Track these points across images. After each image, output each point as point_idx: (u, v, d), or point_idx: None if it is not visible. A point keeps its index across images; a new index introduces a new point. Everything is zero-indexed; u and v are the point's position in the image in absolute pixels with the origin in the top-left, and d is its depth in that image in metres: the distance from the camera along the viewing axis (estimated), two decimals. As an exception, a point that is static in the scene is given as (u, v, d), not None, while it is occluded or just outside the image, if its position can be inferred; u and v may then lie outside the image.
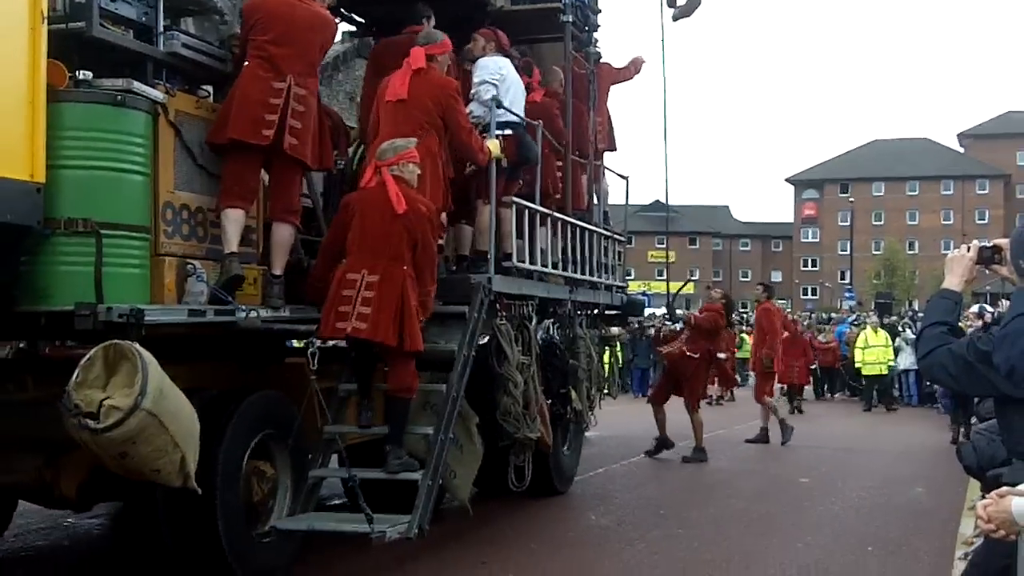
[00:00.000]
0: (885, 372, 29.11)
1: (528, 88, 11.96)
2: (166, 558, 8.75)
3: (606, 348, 15.38)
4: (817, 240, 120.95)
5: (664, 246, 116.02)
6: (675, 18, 15.01)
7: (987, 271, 5.09)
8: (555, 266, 11.99)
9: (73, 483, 8.44)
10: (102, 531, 11.51)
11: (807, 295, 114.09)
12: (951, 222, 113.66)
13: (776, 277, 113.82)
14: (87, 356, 6.92)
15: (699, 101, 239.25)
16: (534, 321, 11.78)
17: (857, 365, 29.83)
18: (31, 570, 10.04)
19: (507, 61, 11.25)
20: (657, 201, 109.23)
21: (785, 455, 18.61)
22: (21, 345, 9.87)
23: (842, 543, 11.14)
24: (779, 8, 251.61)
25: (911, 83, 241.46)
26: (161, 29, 8.10)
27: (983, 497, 4.32)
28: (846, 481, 15.40)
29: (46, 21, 7.10)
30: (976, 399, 12.78)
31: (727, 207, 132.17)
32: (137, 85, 7.60)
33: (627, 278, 16.39)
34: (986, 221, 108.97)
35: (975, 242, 5.08)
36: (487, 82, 10.89)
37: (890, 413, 28.06)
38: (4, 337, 9.03)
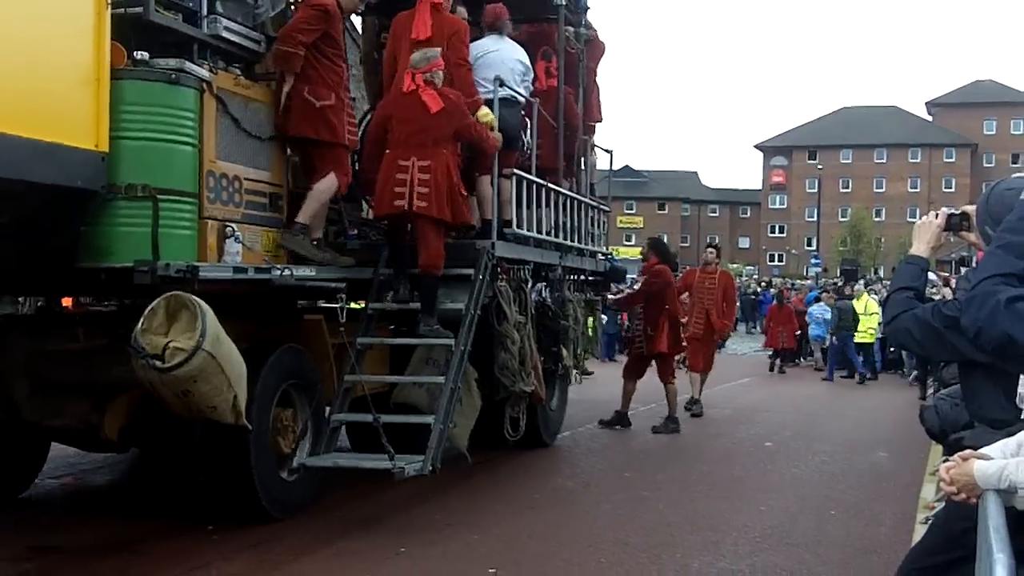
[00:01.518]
0: (873, 340, 28.81)
1: (547, 73, 12.93)
2: (200, 496, 9.63)
3: (591, 312, 16.05)
4: (785, 207, 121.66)
5: (633, 211, 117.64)
6: None
7: (953, 238, 5.08)
8: (548, 234, 12.78)
9: (115, 426, 9.31)
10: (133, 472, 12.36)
11: (774, 261, 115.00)
12: (918, 190, 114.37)
13: (744, 243, 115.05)
14: (150, 306, 7.77)
15: (669, 66, 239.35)
16: (530, 284, 12.59)
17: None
18: (66, 505, 10.83)
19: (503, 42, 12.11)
20: (627, 166, 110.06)
21: (750, 420, 18.51)
22: (39, 303, 10.72)
23: (805, 506, 11.22)
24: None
25: (880, 51, 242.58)
26: (205, 12, 8.89)
27: (945, 461, 4.33)
28: (810, 445, 15.45)
29: (109, 6, 7.88)
30: (940, 364, 13.18)
31: (696, 173, 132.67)
32: (188, 65, 8.40)
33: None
34: (953, 189, 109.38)
35: (943, 209, 5.12)
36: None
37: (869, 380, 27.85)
38: (64, 293, 9.78)
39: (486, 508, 10.53)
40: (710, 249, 20.12)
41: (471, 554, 8.78)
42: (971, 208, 4.87)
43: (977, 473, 3.94)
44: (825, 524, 10.38)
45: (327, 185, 9.95)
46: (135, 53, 8.18)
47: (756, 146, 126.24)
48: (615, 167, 17.77)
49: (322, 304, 11.48)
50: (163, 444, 10.12)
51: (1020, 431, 4.11)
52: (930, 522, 6.98)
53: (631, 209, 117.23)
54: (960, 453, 4.16)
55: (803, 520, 10.54)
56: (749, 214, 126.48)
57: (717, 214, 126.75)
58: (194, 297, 7.83)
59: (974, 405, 4.88)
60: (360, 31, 14.24)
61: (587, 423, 16.76)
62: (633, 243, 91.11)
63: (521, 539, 9.39)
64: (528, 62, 12.30)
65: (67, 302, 10.36)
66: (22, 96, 7.22)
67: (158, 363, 7.66)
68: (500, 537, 9.38)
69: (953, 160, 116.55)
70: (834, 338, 28.65)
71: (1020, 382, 4.26)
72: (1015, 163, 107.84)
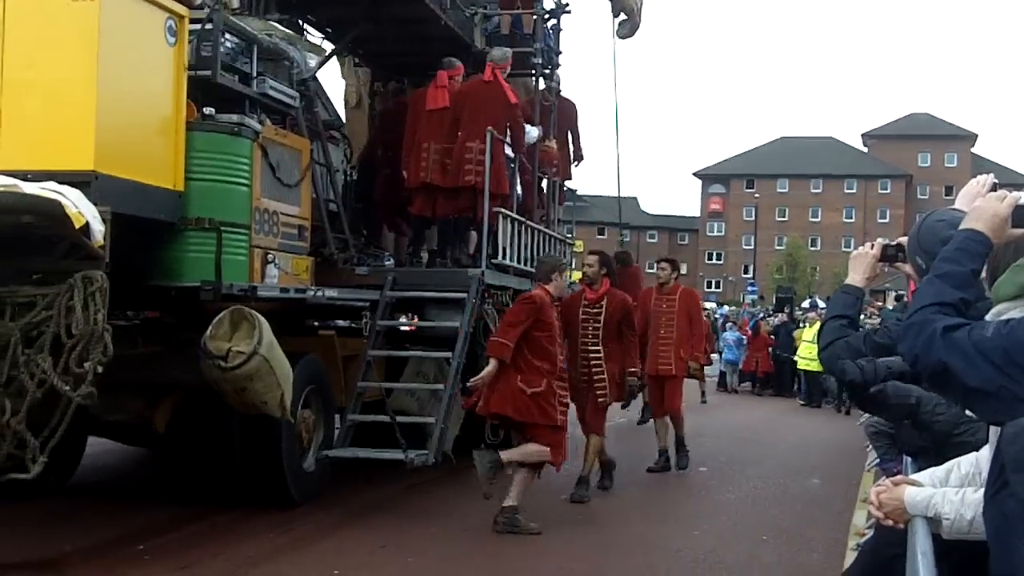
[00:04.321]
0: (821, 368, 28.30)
1: None
2: (236, 483, 11.23)
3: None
4: (722, 234, 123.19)
5: (572, 236, 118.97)
6: (621, 37, 17.35)
7: (888, 268, 5.16)
8: (525, 264, 14.45)
9: (164, 421, 10.94)
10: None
11: (711, 288, 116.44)
12: (853, 220, 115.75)
13: (682, 269, 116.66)
14: (217, 317, 9.52)
15: (610, 92, 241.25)
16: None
17: (799, 359, 28.48)
18: (109, 490, 12.39)
19: None
20: (569, 190, 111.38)
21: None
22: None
23: (738, 531, 11.33)
24: (688, 7, 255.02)
25: (818, 83, 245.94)
26: (255, 74, 10.58)
27: (877, 485, 4.39)
28: (744, 471, 15.47)
29: (185, 70, 9.58)
30: None
31: (635, 198, 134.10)
32: (246, 119, 10.09)
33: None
34: (887, 220, 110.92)
35: (879, 240, 5.16)
36: None
37: (796, 407, 27.72)
38: (135, 306, 11.38)
39: (421, 531, 10.63)
40: (662, 264, 15.99)
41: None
42: (905, 239, 4.82)
43: (907, 499, 3.98)
44: (758, 549, 10.59)
45: (537, 456, 10.99)
46: (203, 109, 9.88)
47: (695, 173, 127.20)
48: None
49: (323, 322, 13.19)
50: (203, 437, 11.70)
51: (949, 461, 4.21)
52: (859, 548, 7.41)
53: (571, 233, 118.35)
54: (892, 479, 4.27)
55: (736, 545, 10.72)
56: (687, 240, 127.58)
57: (656, 240, 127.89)
58: (253, 311, 9.55)
59: (903, 432, 5.21)
60: (345, 77, 15.92)
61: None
62: (572, 267, 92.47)
63: (457, 562, 9.78)
64: None
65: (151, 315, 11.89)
66: (124, 145, 8.94)
67: (222, 363, 9.37)
68: (436, 560, 9.74)
69: (888, 191, 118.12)
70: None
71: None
72: (948, 195, 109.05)
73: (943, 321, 3.39)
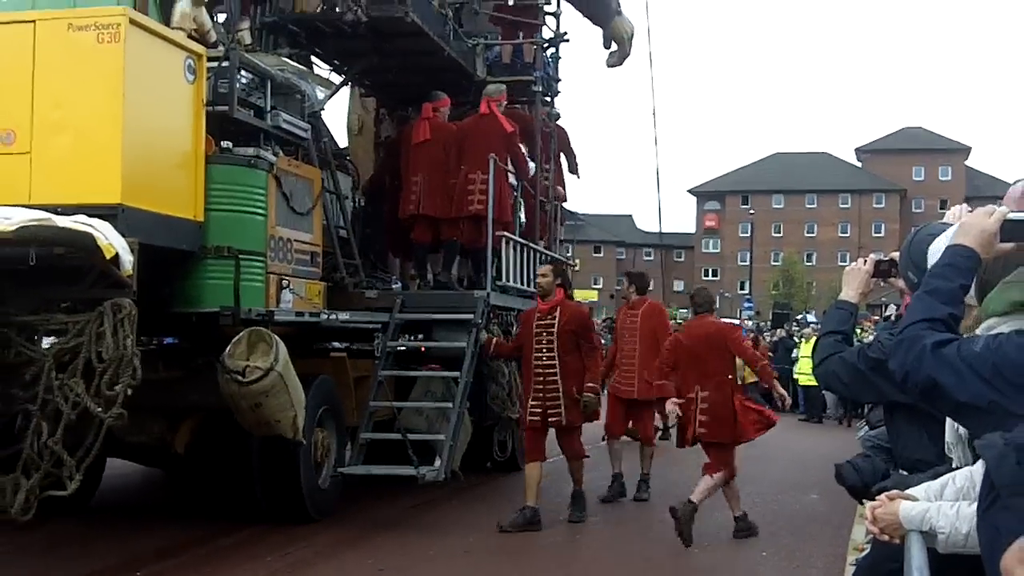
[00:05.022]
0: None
1: None
2: (254, 501, 11.64)
3: None
4: (718, 250, 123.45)
5: (572, 256, 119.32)
6: (609, 65, 17.92)
7: (883, 283, 5.12)
8: (527, 285, 14.91)
9: (183, 442, 11.42)
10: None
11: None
12: (848, 235, 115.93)
13: (678, 286, 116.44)
14: (236, 337, 10.02)
15: (604, 110, 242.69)
16: (515, 327, 14.79)
17: (798, 374, 28.97)
18: (115, 513, 12.74)
19: None
20: (569, 211, 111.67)
21: (683, 461, 15.75)
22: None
23: (737, 548, 11.35)
24: (679, 24, 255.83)
25: (812, 99, 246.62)
26: (269, 108, 11.06)
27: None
28: (743, 487, 14.12)
29: (204, 106, 10.05)
30: (867, 407, 12.71)
31: (631, 216, 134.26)
32: (262, 152, 10.56)
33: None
34: (882, 234, 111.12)
35: (872, 255, 5.13)
36: None
37: (795, 422, 27.54)
38: (155, 332, 11.82)
39: (420, 553, 10.63)
40: (624, 280, 15.48)
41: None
42: (898, 254, 4.78)
43: (902, 514, 3.90)
44: (757, 566, 10.68)
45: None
46: (221, 143, 10.36)
47: (690, 191, 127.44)
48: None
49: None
50: (223, 457, 12.13)
51: (945, 473, 4.13)
52: (856, 564, 7.26)
53: (569, 253, 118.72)
54: (887, 493, 4.13)
55: (736, 562, 10.87)
56: (683, 258, 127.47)
57: (652, 257, 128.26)
58: (270, 332, 10.03)
59: (899, 446, 5.00)
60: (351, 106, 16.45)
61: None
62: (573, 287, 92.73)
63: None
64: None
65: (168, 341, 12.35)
66: (148, 179, 9.42)
67: (240, 378, 9.86)
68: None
69: (883, 206, 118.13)
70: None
71: (947, 430, 4.21)
72: (943, 208, 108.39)
73: (932, 337, 3.42)
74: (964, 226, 3.61)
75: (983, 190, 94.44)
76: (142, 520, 12.12)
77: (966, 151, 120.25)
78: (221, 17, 12.35)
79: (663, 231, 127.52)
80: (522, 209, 14.60)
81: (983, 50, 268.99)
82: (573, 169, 17.28)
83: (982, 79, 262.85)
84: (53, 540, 10.88)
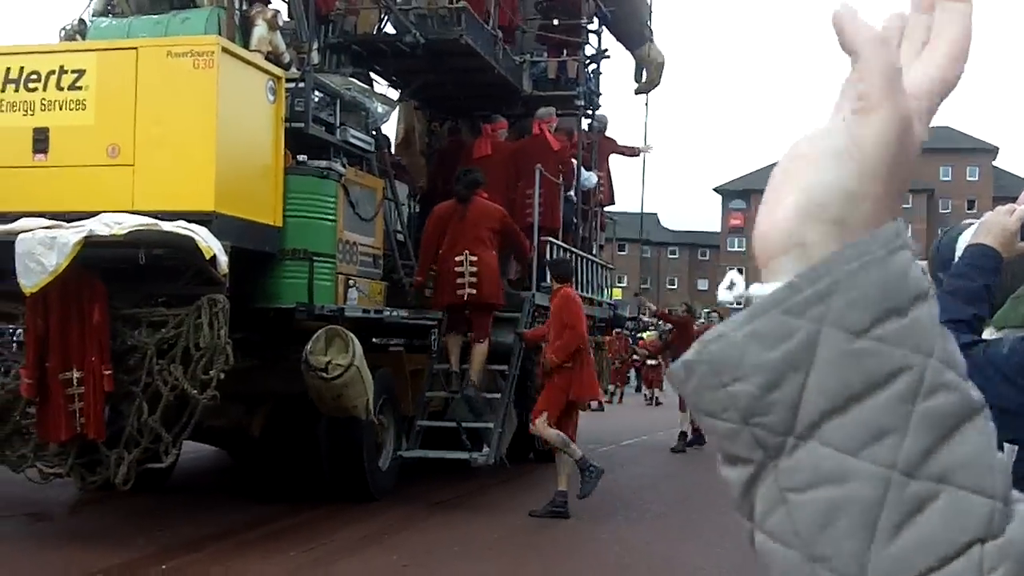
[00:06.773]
0: None
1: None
2: (321, 481, 12.78)
3: (598, 350, 18.88)
4: (743, 249, 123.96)
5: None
6: (637, 92, 19.14)
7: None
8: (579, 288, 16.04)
9: (259, 426, 12.55)
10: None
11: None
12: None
13: (702, 285, 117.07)
14: (315, 335, 11.12)
15: (630, 109, 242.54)
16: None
17: None
18: (204, 489, 13.95)
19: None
20: (609, 216, 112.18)
21: (708, 460, 16.42)
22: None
23: None
24: (706, 22, 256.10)
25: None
26: (338, 124, 12.19)
27: None
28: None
29: (283, 123, 11.19)
30: None
31: (656, 215, 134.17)
32: (332, 164, 11.70)
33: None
34: (909, 234, 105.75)
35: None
36: None
37: None
38: (240, 326, 12.95)
39: (444, 550, 10.65)
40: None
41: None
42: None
43: None
44: None
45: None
46: (297, 156, 11.50)
47: (715, 189, 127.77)
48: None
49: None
50: (293, 441, 13.26)
51: None
52: None
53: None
54: None
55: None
56: (708, 256, 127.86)
57: (677, 256, 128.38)
58: (345, 329, 11.15)
59: None
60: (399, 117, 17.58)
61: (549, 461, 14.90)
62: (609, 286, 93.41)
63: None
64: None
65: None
66: (236, 188, 10.55)
67: (324, 374, 10.95)
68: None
69: (909, 205, 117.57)
70: None
71: None
72: (970, 208, 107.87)
73: (958, 340, 3.40)
74: (984, 224, 3.55)
75: (1011, 190, 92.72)
76: (167, 512, 12.32)
77: (994, 151, 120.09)
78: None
79: (689, 229, 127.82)
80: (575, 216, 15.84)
81: (1012, 51, 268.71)
82: (636, 153, 19.16)
83: (1011, 80, 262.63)
84: (86, 528, 11.67)
